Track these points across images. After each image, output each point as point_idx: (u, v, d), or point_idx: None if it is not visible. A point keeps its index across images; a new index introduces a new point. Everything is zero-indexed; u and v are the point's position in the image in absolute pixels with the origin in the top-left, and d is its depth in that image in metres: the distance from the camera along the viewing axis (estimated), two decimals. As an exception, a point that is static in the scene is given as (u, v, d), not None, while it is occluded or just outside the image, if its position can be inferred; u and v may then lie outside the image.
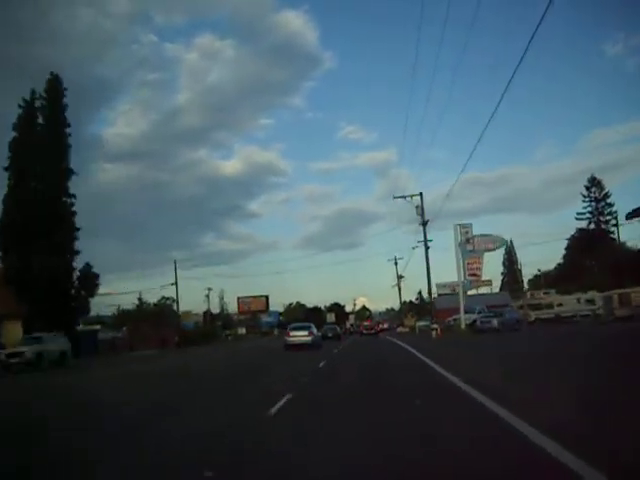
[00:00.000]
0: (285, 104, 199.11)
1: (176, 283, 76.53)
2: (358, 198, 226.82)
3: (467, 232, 56.48)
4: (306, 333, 37.60)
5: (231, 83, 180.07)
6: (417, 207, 55.41)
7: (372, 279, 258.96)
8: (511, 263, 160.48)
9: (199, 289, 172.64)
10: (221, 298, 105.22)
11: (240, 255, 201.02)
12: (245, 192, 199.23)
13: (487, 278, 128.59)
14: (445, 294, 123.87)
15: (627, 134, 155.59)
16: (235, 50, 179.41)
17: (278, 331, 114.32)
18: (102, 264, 78.00)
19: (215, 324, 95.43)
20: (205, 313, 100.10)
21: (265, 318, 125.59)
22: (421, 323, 75.41)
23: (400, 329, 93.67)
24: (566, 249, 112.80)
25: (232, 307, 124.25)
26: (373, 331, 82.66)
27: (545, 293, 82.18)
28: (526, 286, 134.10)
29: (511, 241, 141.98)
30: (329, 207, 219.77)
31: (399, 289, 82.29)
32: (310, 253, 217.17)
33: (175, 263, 72.94)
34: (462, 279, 60.79)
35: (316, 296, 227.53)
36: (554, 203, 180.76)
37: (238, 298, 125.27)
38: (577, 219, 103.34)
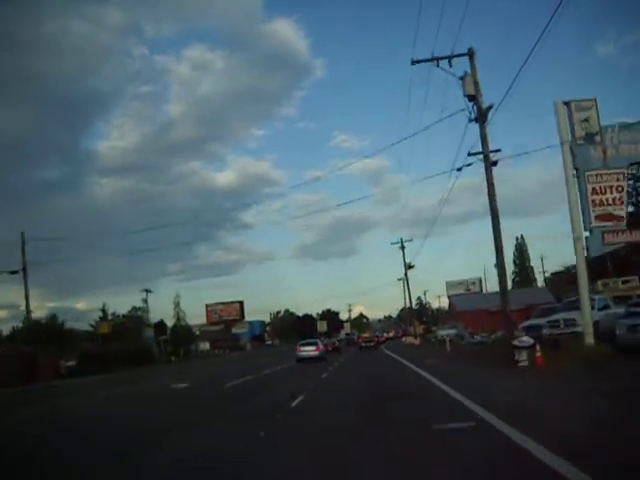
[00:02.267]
0: (277, 114, 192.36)
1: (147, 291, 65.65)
2: (352, 205, 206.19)
3: (588, 119, 19.31)
4: (314, 348, 40.12)
5: (223, 94, 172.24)
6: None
7: (369, 287, 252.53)
8: (522, 260, 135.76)
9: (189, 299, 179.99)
10: (176, 304, 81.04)
11: (235, 266, 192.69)
12: (239, 203, 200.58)
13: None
14: (458, 294, 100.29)
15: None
16: (226, 61, 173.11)
17: (252, 344, 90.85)
18: (98, 277, 74.11)
19: (159, 339, 70.71)
20: (126, 321, 74.21)
21: (237, 329, 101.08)
22: (445, 332, 50.94)
23: (408, 340, 69.08)
24: None
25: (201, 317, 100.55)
26: (372, 343, 66.60)
27: (625, 282, 56.98)
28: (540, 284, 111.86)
29: (522, 236, 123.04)
30: (323, 215, 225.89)
31: (406, 281, 57.07)
32: (305, 262, 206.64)
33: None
34: (583, 225, 22.35)
35: (308, 304, 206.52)
36: (550, 205, 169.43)
37: (207, 305, 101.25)
38: None
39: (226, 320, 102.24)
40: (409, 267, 56.93)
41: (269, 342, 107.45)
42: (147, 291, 71.04)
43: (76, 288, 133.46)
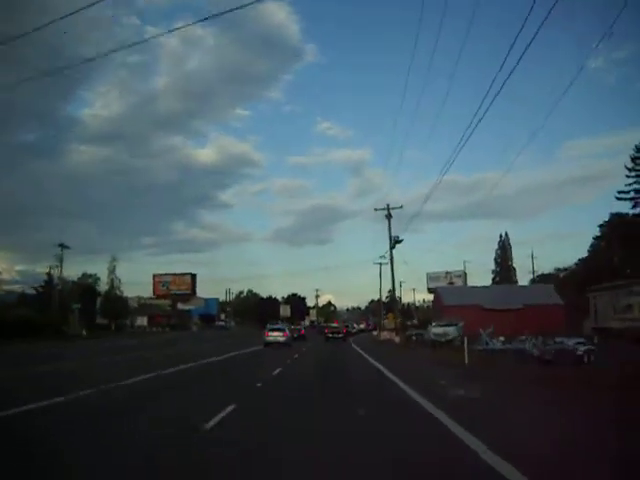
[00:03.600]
0: (263, 96, 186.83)
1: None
2: (331, 194, 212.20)
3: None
4: (281, 334, 40.85)
5: (210, 71, 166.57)
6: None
7: (339, 275, 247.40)
8: (505, 260, 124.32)
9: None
10: (110, 270, 66.27)
11: (210, 244, 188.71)
12: (218, 182, 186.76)
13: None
14: (445, 286, 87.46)
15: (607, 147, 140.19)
16: (216, 38, 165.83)
17: (200, 324, 76.92)
18: (71, 245, 62.17)
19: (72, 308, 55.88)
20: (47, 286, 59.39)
21: (185, 305, 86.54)
22: (439, 329, 37.06)
23: (384, 335, 55.67)
24: (596, 239, 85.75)
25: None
26: (341, 335, 58.67)
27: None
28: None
29: (506, 234, 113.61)
30: (302, 202, 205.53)
31: (390, 261, 42.99)
32: (279, 246, 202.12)
33: None
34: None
35: (275, 288, 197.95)
36: (532, 210, 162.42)
37: (154, 276, 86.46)
38: (618, 199, 73.22)
39: (175, 294, 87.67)
40: (396, 242, 43.17)
41: (222, 323, 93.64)
42: (62, 246, 56.06)
43: (46, 254, 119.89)
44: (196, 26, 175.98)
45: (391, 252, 43.76)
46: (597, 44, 20.62)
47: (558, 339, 22.33)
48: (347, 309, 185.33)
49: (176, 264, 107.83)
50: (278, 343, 38.55)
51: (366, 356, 29.32)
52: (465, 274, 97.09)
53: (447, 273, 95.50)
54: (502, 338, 28.82)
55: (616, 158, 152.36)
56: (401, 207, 44.52)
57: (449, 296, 59.68)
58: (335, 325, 70.26)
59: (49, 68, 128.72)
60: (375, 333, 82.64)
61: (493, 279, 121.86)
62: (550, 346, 20.63)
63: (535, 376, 15.57)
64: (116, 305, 64.17)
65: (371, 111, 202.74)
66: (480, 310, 59.47)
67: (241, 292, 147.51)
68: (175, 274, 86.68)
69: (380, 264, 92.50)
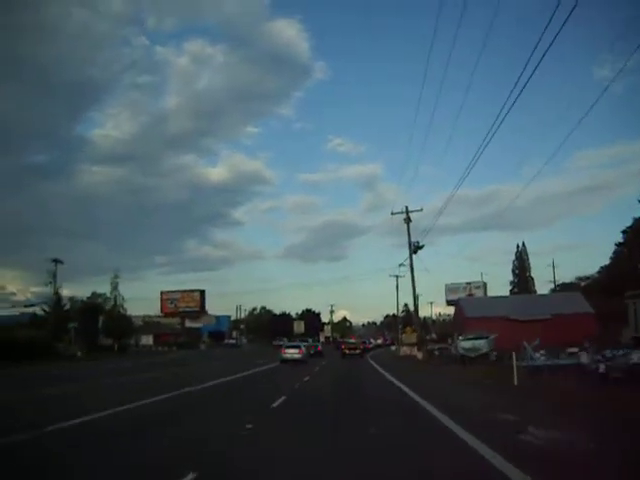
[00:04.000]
0: (274, 113, 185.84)
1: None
2: (344, 211, 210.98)
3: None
4: (297, 351, 40.81)
5: (220, 89, 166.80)
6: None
7: (354, 292, 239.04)
8: (522, 270, 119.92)
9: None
10: (113, 287, 62.69)
11: (222, 262, 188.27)
12: (230, 200, 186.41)
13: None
14: (468, 297, 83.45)
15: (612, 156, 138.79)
16: (226, 56, 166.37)
17: (209, 342, 73.14)
18: (84, 266, 65.55)
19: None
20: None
21: (193, 323, 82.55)
22: (467, 343, 32.84)
23: (404, 350, 51.58)
24: (619, 245, 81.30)
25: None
26: (358, 351, 54.39)
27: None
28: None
29: (523, 244, 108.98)
30: (314, 218, 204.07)
31: (411, 268, 38.66)
32: (292, 262, 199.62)
33: None
34: None
35: (289, 304, 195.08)
36: (541, 221, 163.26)
37: (162, 293, 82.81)
38: None
39: (184, 312, 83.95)
40: (417, 248, 39.17)
41: (232, 341, 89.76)
42: (56, 261, 52.62)
43: (62, 274, 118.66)
44: (206, 44, 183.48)
45: (411, 258, 39.82)
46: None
47: (619, 351, 18.26)
48: (363, 325, 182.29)
49: (189, 283, 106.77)
50: (294, 360, 38.52)
51: (389, 376, 25.35)
52: (485, 285, 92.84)
53: (467, 284, 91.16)
54: (542, 351, 24.72)
55: (623, 167, 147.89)
56: (421, 210, 40.81)
57: (471, 308, 55.40)
58: (352, 341, 66.16)
59: (60, 88, 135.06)
60: (393, 348, 78.51)
61: (511, 290, 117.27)
62: (618, 359, 16.51)
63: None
64: (119, 324, 60.60)
65: (382, 126, 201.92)
66: (505, 321, 55.12)
67: (254, 309, 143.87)
68: (183, 291, 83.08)
69: (397, 276, 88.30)
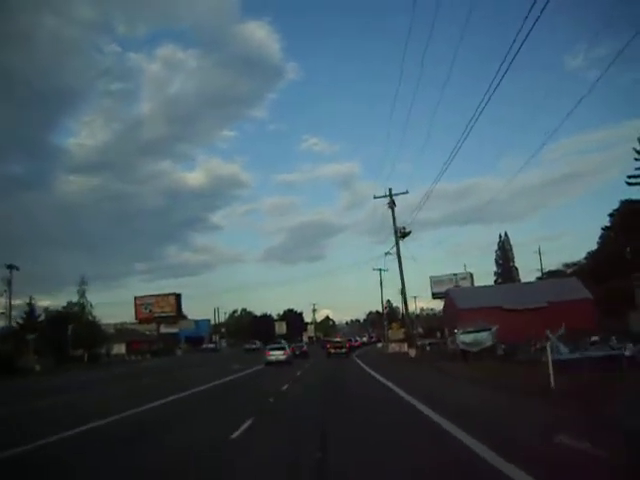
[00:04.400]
0: (248, 116, 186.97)
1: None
2: (322, 210, 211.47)
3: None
4: (282, 352, 40.06)
5: (194, 94, 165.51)
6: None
7: (336, 290, 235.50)
8: (506, 260, 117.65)
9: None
10: (81, 294, 57.89)
11: (203, 267, 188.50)
12: (208, 204, 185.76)
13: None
14: (458, 287, 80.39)
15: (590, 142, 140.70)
16: (198, 61, 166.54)
17: (186, 348, 68.58)
18: (63, 275, 63.25)
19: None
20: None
21: (169, 328, 77.62)
22: (468, 337, 28.72)
23: (393, 347, 47.74)
24: (606, 229, 79.09)
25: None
26: (344, 350, 52.37)
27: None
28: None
29: (506, 234, 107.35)
30: (292, 219, 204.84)
31: (398, 256, 34.62)
32: (271, 264, 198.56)
33: None
34: None
35: (270, 305, 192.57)
36: (522, 212, 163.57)
37: (135, 298, 77.88)
38: (629, 184, 65.50)
39: (160, 317, 79.12)
40: (404, 235, 35.25)
41: (212, 345, 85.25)
42: (11, 267, 47.71)
43: (40, 285, 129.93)
44: (177, 49, 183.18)
45: (397, 245, 35.98)
46: None
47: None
48: (346, 322, 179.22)
49: (169, 288, 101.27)
50: (279, 362, 37.83)
51: (383, 380, 21.30)
52: (471, 275, 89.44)
53: (454, 275, 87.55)
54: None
55: (603, 152, 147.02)
56: (406, 192, 36.84)
57: (463, 298, 51.57)
58: (338, 340, 63.01)
59: (33, 97, 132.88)
60: (380, 345, 74.74)
61: (495, 281, 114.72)
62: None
63: None
64: (89, 333, 55.78)
65: (357, 124, 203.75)
66: (500, 312, 51.43)
67: (234, 311, 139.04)
68: (158, 295, 78.24)
69: (380, 270, 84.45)
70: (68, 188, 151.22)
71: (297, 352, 51.33)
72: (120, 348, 63.52)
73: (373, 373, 25.30)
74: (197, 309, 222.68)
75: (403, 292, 37.97)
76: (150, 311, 77.88)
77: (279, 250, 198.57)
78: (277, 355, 38.99)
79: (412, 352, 35.34)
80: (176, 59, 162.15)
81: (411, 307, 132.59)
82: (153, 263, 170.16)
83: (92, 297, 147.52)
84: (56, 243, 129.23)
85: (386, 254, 38.57)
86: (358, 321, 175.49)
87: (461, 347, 28.56)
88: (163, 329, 78.70)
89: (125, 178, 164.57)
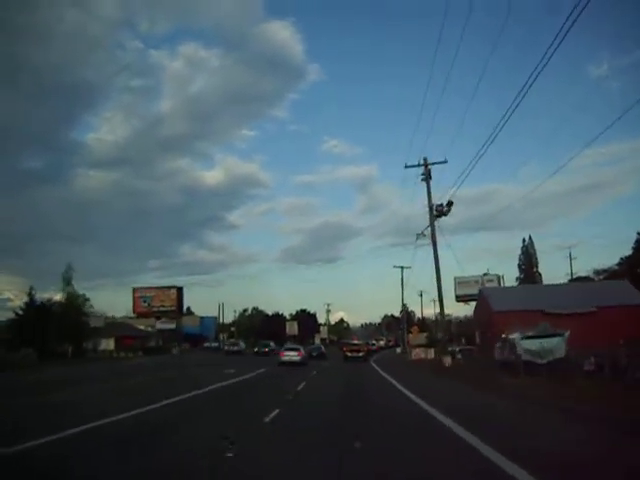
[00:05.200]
0: (269, 116, 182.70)
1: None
2: (339, 212, 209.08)
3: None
4: (296, 354, 39.95)
5: (215, 92, 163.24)
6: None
7: (351, 293, 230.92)
8: (529, 265, 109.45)
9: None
10: (66, 282, 51.34)
11: (218, 266, 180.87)
12: (225, 203, 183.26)
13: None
14: (494, 287, 73.75)
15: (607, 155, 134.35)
16: (220, 59, 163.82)
17: (181, 347, 61.77)
18: (77, 270, 60.90)
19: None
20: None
21: (164, 324, 70.45)
22: (532, 344, 21.27)
23: (416, 352, 40.48)
24: None
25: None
26: (362, 354, 48.22)
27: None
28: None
29: (530, 238, 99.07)
30: (309, 220, 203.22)
31: (434, 241, 27.06)
32: (288, 266, 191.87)
33: None
34: None
35: (283, 305, 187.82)
36: (536, 221, 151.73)
37: (134, 290, 71.26)
38: None
39: (159, 312, 72.47)
40: (440, 214, 27.86)
41: (215, 344, 78.56)
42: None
43: (55, 279, 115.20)
44: (199, 47, 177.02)
45: (432, 227, 28.59)
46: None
47: None
48: (361, 325, 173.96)
49: (184, 286, 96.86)
50: (292, 363, 37.92)
51: (425, 406, 13.93)
52: (499, 278, 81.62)
53: (485, 275, 79.77)
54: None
55: (618, 165, 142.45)
56: (445, 162, 29.48)
57: (499, 300, 44.20)
58: (355, 342, 57.20)
59: (54, 92, 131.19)
60: (399, 350, 67.40)
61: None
62: None
63: None
64: (75, 325, 49.35)
65: (378, 128, 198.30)
66: (542, 316, 44.08)
67: (245, 309, 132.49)
68: (158, 288, 71.48)
69: (402, 267, 77.55)
70: (86, 183, 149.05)
71: (314, 353, 51.51)
72: (109, 344, 57.03)
73: (406, 392, 18.07)
74: (209, 308, 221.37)
75: (438, 285, 30.45)
76: (149, 305, 71.25)
77: (295, 251, 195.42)
78: (291, 356, 39.19)
79: (447, 360, 27.98)
80: (198, 57, 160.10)
81: (427, 311, 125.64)
82: (167, 260, 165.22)
83: (105, 292, 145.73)
84: (72, 238, 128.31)
85: (418, 236, 31.22)
86: (372, 325, 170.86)
87: (524, 358, 21.19)
88: (159, 325, 71.87)
89: (143, 174, 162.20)
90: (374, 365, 37.88)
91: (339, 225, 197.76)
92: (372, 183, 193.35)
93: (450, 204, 28.36)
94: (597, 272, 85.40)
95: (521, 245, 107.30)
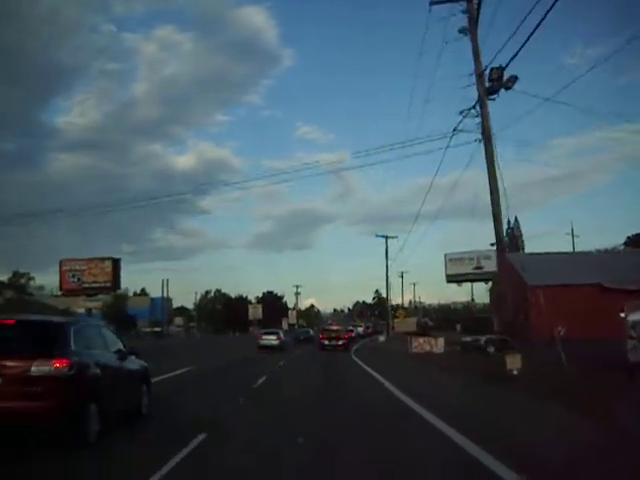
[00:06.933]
0: (242, 101, 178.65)
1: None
2: (311, 199, 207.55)
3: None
4: (274, 337, 39.43)
5: (189, 77, 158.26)
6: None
7: (321, 280, 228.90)
8: (515, 249, 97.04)
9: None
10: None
11: (189, 251, 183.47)
12: (197, 188, 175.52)
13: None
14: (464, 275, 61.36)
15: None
16: (194, 43, 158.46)
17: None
18: (49, 252, 47.46)
19: None
20: None
21: (84, 303, 55.15)
22: None
23: (419, 343, 26.64)
24: None
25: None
26: (341, 342, 40.11)
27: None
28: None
29: (516, 219, 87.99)
30: (281, 207, 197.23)
31: (485, 149, 13.45)
32: (260, 252, 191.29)
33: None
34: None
35: (252, 290, 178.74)
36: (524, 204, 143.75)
37: (61, 262, 56.15)
38: None
39: (91, 288, 57.58)
40: (496, 86, 14.14)
41: (157, 329, 64.39)
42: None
43: (25, 262, 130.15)
44: (174, 31, 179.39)
45: (483, 103, 14.57)
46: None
47: None
48: (334, 310, 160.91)
49: (156, 272, 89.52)
50: (272, 347, 37.09)
51: None
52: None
53: (473, 254, 66.69)
54: None
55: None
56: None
57: (537, 271, 30.71)
58: (334, 328, 46.17)
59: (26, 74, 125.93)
60: (382, 338, 53.84)
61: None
62: None
63: None
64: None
65: (351, 113, 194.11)
66: (598, 292, 30.96)
67: (208, 292, 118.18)
68: (90, 259, 56.33)
69: (386, 237, 64.05)
70: (57, 166, 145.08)
71: (301, 337, 52.40)
72: None
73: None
74: (179, 293, 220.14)
75: (494, 198, 15.99)
76: (79, 279, 56.32)
77: (267, 237, 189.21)
78: (270, 339, 38.89)
79: (515, 362, 13.93)
80: (172, 41, 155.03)
81: (408, 297, 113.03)
82: (140, 245, 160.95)
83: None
84: (43, 221, 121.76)
85: (453, 134, 16.74)
86: (343, 311, 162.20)
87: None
88: (84, 303, 57.10)
89: (115, 159, 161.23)
90: (360, 363, 24.10)
91: (311, 212, 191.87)
92: (345, 170, 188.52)
93: (512, 81, 14.57)
94: (599, 251, 75.34)
95: (506, 227, 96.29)
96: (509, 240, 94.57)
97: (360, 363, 23.99)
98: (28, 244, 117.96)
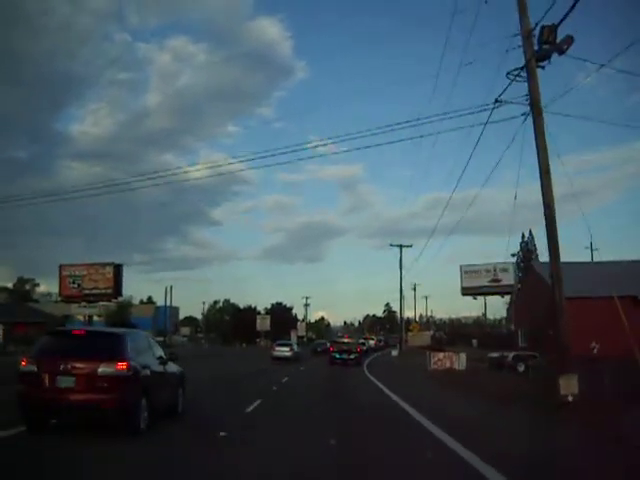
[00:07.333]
0: (254, 112, 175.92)
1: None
2: (323, 211, 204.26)
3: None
4: (287, 349, 41.49)
5: (201, 88, 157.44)
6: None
7: (332, 292, 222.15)
8: (529, 261, 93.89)
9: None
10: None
11: (201, 262, 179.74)
12: (209, 199, 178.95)
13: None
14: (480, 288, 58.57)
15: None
16: (208, 55, 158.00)
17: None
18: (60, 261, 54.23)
19: None
20: None
21: (78, 309, 52.67)
22: None
23: (438, 358, 23.79)
24: None
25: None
26: (353, 355, 37.57)
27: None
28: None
29: (530, 233, 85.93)
30: (293, 219, 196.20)
31: (532, 113, 10.94)
32: (271, 263, 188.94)
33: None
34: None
35: (261, 301, 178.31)
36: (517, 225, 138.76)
37: (61, 267, 54.02)
38: None
39: (92, 294, 55.22)
40: (550, 48, 11.65)
41: (160, 338, 62.40)
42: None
43: (39, 269, 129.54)
44: (188, 42, 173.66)
45: (532, 68, 11.88)
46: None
47: None
48: (345, 322, 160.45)
49: (167, 281, 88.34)
50: (285, 358, 38.59)
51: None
52: (516, 267, 65.79)
53: (490, 266, 63.64)
54: None
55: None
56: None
57: (574, 280, 27.85)
58: (346, 341, 43.14)
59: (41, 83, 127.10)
60: (395, 353, 50.94)
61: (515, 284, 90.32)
62: None
63: None
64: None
65: (364, 126, 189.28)
66: (634, 305, 28.09)
67: (216, 302, 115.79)
68: (91, 264, 54.10)
69: (400, 246, 61.31)
70: (70, 175, 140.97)
71: (319, 349, 54.04)
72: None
73: None
74: (189, 303, 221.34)
75: (542, 174, 12.82)
76: (79, 286, 54.08)
77: (278, 249, 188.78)
78: (283, 351, 40.04)
79: (570, 386, 10.92)
80: (186, 52, 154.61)
81: (420, 311, 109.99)
82: (152, 255, 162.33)
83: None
84: (55, 230, 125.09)
85: (496, 105, 13.83)
86: (353, 324, 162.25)
87: None
88: (78, 310, 54.57)
89: (127, 168, 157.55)
90: (375, 381, 21.32)
91: (323, 225, 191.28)
92: (357, 183, 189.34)
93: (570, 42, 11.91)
94: (631, 262, 71.46)
95: (520, 241, 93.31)
96: (524, 255, 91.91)
97: (377, 382, 21.03)
98: (37, 252, 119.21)
